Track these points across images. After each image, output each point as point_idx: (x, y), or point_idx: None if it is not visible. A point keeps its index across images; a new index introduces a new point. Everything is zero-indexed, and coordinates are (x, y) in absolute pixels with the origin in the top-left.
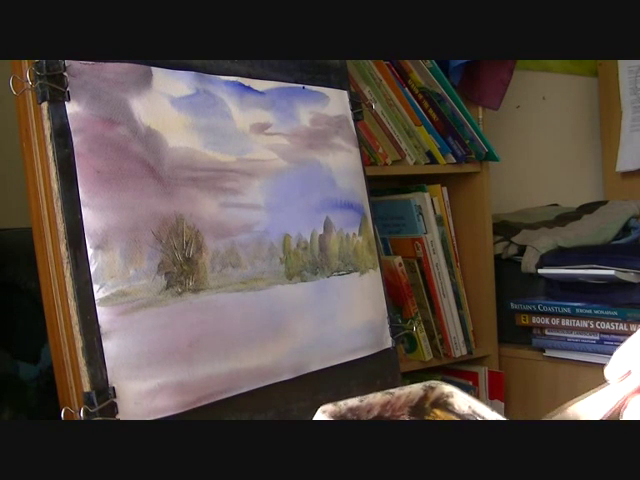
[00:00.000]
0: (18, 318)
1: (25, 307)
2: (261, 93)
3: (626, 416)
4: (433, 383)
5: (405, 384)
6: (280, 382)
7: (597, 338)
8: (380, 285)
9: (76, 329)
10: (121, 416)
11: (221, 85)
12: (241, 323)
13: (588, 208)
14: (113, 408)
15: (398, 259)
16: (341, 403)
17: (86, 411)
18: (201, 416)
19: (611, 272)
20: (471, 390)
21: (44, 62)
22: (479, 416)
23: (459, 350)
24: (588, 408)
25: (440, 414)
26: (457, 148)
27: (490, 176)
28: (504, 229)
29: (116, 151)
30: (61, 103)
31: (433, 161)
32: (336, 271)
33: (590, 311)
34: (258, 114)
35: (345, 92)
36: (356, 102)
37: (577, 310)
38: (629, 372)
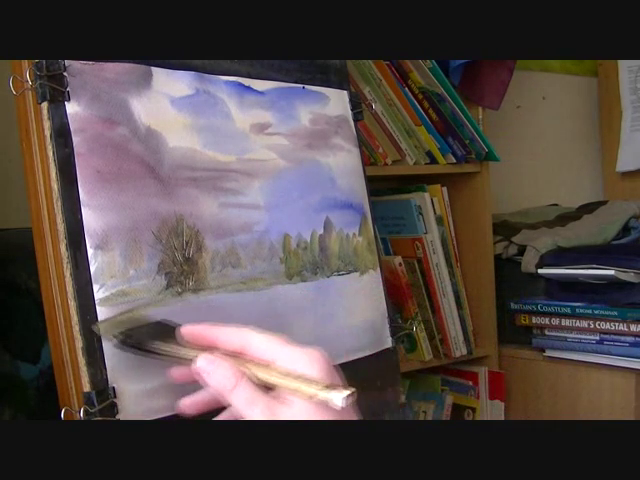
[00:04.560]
0: (18, 318)
1: (25, 307)
2: (261, 93)
3: None
4: None
5: (405, 384)
6: None
7: (597, 338)
8: (380, 285)
9: (76, 329)
10: (121, 416)
11: (221, 85)
12: (241, 323)
13: (588, 208)
14: (113, 408)
15: (398, 259)
16: None
17: (86, 411)
18: (201, 416)
19: (611, 272)
20: (471, 390)
21: (44, 62)
22: None
23: (459, 350)
24: None
25: None
26: (457, 148)
27: (490, 176)
28: (504, 229)
29: (116, 151)
30: (61, 103)
31: (433, 161)
32: (336, 271)
33: (590, 311)
34: (258, 114)
35: (345, 92)
36: (356, 102)
37: (577, 310)
38: None
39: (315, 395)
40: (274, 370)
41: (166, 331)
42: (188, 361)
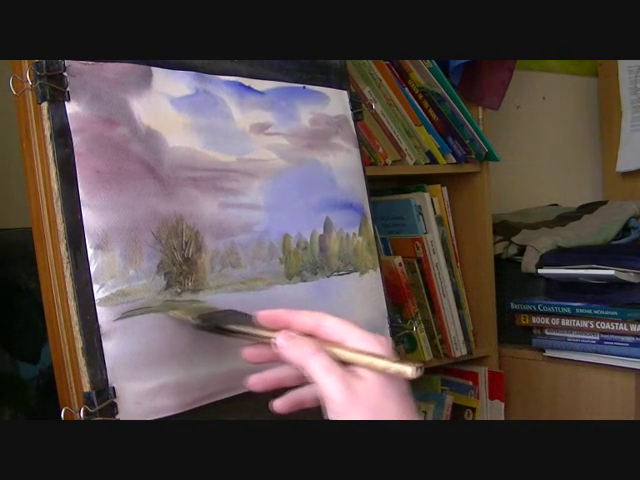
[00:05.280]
0: (18, 318)
1: (25, 307)
2: (261, 93)
3: None
4: None
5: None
6: None
7: (597, 338)
8: (380, 285)
9: (76, 329)
10: (121, 416)
11: (221, 85)
12: None
13: (588, 208)
14: (113, 408)
15: (398, 259)
16: None
17: (86, 411)
18: (201, 416)
19: (611, 272)
20: (471, 390)
21: (44, 62)
22: None
23: (459, 350)
24: None
25: None
26: (457, 148)
27: (490, 176)
28: (504, 229)
29: (116, 151)
30: (61, 103)
31: (433, 161)
32: (336, 271)
33: (590, 311)
34: (258, 114)
35: (345, 92)
36: (356, 102)
37: (577, 310)
38: None
39: (388, 367)
40: (346, 348)
41: (238, 317)
42: (265, 341)
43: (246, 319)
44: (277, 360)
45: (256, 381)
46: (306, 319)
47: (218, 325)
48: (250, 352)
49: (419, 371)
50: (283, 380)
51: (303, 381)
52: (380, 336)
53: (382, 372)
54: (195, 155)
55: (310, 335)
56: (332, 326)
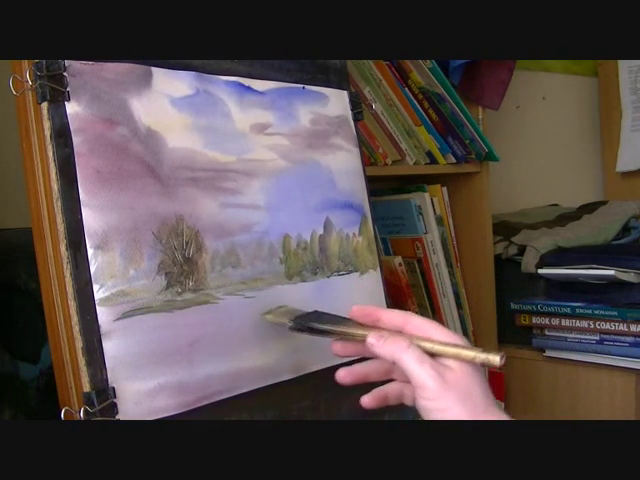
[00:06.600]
0: (18, 318)
1: (25, 307)
2: (261, 93)
3: None
4: None
5: None
6: (280, 382)
7: (597, 338)
8: (380, 285)
9: (76, 329)
10: (121, 416)
11: (221, 85)
12: (241, 323)
13: (588, 208)
14: (113, 408)
15: (398, 259)
16: None
17: (86, 411)
18: (201, 416)
19: (611, 272)
20: None
21: (44, 62)
22: None
23: None
24: None
25: None
26: (457, 148)
27: (490, 176)
28: (504, 229)
29: (116, 151)
30: (61, 103)
31: (433, 161)
32: (336, 271)
33: (590, 311)
34: (258, 114)
35: (345, 92)
36: (356, 102)
37: (577, 310)
38: None
39: (476, 357)
40: (434, 341)
41: (328, 317)
42: (356, 339)
43: (334, 318)
44: (363, 354)
45: (345, 374)
46: (395, 316)
47: (312, 326)
48: (339, 346)
49: (503, 359)
50: (370, 374)
51: (387, 377)
52: (460, 334)
53: (469, 362)
54: (195, 155)
55: (398, 331)
56: (418, 324)
